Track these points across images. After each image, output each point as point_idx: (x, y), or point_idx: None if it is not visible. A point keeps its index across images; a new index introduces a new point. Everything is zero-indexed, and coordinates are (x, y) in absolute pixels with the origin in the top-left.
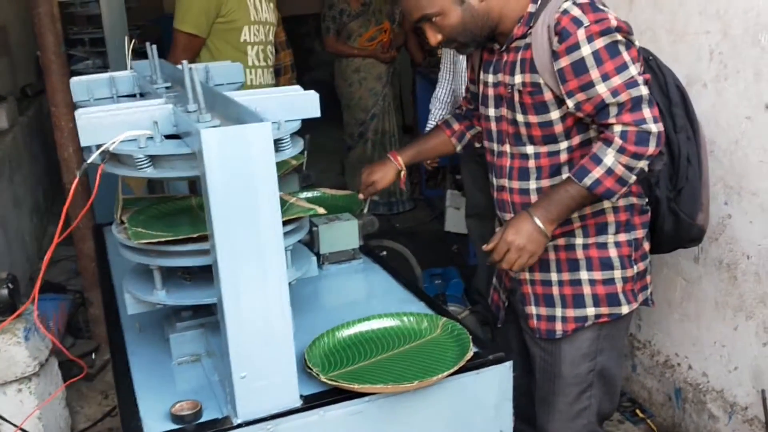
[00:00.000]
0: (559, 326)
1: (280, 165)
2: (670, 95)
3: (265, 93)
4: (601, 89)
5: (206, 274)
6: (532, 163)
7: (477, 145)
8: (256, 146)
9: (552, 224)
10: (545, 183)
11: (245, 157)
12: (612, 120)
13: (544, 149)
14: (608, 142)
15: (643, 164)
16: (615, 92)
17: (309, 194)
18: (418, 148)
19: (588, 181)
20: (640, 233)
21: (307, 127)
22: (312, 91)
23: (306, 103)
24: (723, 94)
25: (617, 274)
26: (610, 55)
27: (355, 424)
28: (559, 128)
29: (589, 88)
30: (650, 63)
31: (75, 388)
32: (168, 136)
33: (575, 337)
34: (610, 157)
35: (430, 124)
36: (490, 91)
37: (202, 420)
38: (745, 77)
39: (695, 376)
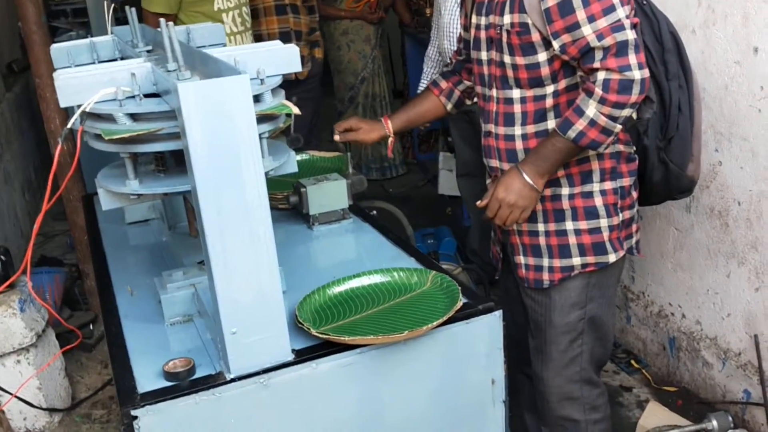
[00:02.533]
0: (546, 276)
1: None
2: (663, 41)
3: (244, 49)
4: (587, 31)
5: (178, 166)
6: (517, 108)
7: (468, 102)
8: (235, 99)
9: (542, 178)
10: (530, 129)
11: (225, 112)
12: (596, 65)
13: (530, 93)
14: (589, 93)
15: (626, 113)
16: (600, 36)
17: (297, 157)
18: (408, 114)
19: (572, 133)
20: (626, 181)
21: None
22: (292, 45)
23: (287, 57)
24: (711, 39)
25: (603, 222)
26: None
27: (348, 375)
28: (546, 71)
29: (575, 29)
30: (644, 8)
31: (75, 359)
32: (150, 97)
33: (564, 286)
34: (592, 109)
35: (422, 83)
36: (482, 34)
37: (195, 377)
38: (734, 21)
39: (689, 324)
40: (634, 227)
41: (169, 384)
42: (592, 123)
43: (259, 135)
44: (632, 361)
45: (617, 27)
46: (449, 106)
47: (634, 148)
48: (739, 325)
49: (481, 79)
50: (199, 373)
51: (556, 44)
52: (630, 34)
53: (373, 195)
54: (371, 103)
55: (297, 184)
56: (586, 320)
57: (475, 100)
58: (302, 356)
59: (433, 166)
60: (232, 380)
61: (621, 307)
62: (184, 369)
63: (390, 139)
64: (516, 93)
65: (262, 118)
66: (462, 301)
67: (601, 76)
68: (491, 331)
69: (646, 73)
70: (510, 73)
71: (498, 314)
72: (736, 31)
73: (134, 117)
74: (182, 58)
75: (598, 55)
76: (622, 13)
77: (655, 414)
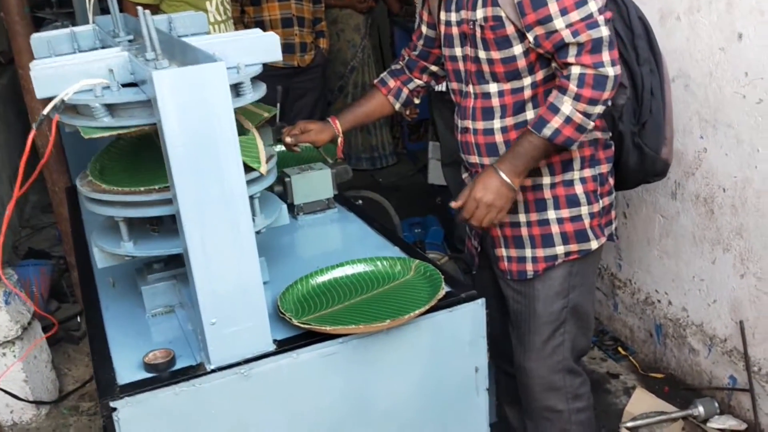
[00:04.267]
0: (529, 267)
1: (251, 117)
2: (633, 27)
3: (224, 37)
4: (559, 24)
5: (174, 225)
6: (495, 102)
7: (416, 101)
8: (211, 88)
9: (518, 177)
10: (509, 122)
11: (201, 100)
12: (571, 59)
13: (507, 86)
14: (563, 90)
15: (599, 109)
16: (576, 32)
17: (283, 147)
18: (355, 114)
19: (547, 131)
20: (604, 168)
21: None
22: (272, 33)
23: (266, 46)
24: (696, 26)
25: (584, 210)
26: None
27: (330, 365)
28: (522, 63)
29: (547, 21)
30: None
31: (62, 351)
32: (128, 86)
33: (547, 276)
34: (567, 106)
35: None
36: (454, 30)
37: (175, 368)
38: (718, 8)
39: (675, 311)
40: (612, 214)
41: (149, 375)
42: (568, 120)
43: (252, 196)
44: (619, 348)
45: (592, 24)
46: (397, 105)
47: (610, 134)
48: (724, 312)
49: (456, 75)
50: (180, 364)
51: (530, 36)
52: (604, 31)
53: (363, 185)
54: (361, 92)
55: (281, 174)
56: (569, 309)
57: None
58: (283, 346)
59: (423, 155)
60: (213, 371)
61: (608, 294)
62: (164, 360)
63: (339, 140)
64: (493, 87)
65: (249, 181)
66: (445, 289)
67: (575, 71)
68: (474, 319)
69: (619, 69)
70: (486, 67)
71: (481, 302)
72: (721, 17)
73: (112, 109)
74: (160, 47)
75: (573, 50)
76: (594, 6)
77: (642, 400)
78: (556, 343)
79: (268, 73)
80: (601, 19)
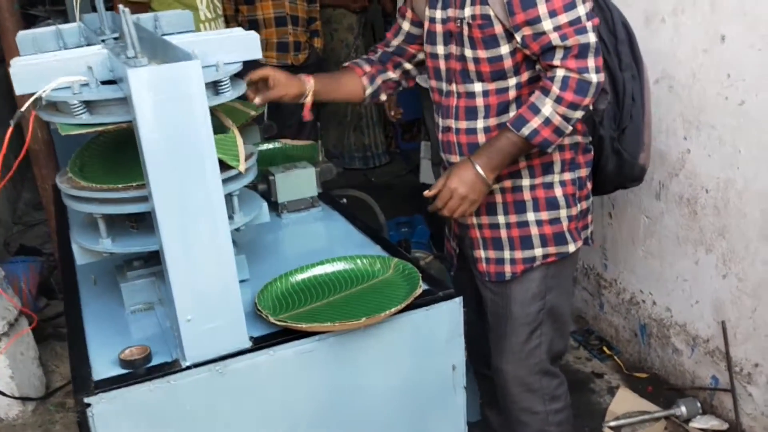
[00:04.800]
0: (508, 268)
1: (238, 115)
2: (616, 33)
3: (204, 35)
4: (548, 26)
5: (152, 222)
6: (480, 102)
7: (383, 98)
8: (186, 86)
9: (493, 172)
10: (493, 122)
11: (177, 97)
12: (557, 62)
13: (492, 86)
14: (546, 91)
15: (578, 115)
16: (564, 36)
17: (270, 145)
18: (329, 81)
19: (526, 131)
20: (583, 172)
21: None
22: (252, 32)
23: (247, 44)
24: (680, 27)
25: (563, 213)
26: None
27: (306, 363)
28: (508, 63)
29: (536, 23)
30: (599, 1)
31: (50, 348)
32: (108, 84)
33: (524, 278)
34: (548, 107)
35: None
36: (438, 28)
37: (151, 364)
38: (702, 9)
39: (659, 311)
40: (589, 218)
41: (124, 372)
42: (547, 122)
43: (230, 193)
44: (604, 348)
45: (580, 29)
46: (368, 91)
47: (590, 139)
48: (707, 312)
49: (437, 73)
50: (156, 361)
51: (517, 36)
52: (592, 37)
53: (355, 184)
54: None
55: (266, 172)
56: (546, 311)
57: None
58: (260, 343)
59: (416, 155)
60: (188, 368)
61: (594, 294)
62: (140, 356)
63: (308, 98)
64: (478, 86)
65: (228, 179)
66: (422, 287)
67: (560, 73)
68: (451, 317)
69: (602, 77)
70: (471, 66)
71: (458, 300)
72: (705, 18)
73: (90, 106)
74: (139, 45)
75: (559, 54)
76: (582, 10)
77: (625, 400)
78: (533, 345)
79: None
80: (589, 24)
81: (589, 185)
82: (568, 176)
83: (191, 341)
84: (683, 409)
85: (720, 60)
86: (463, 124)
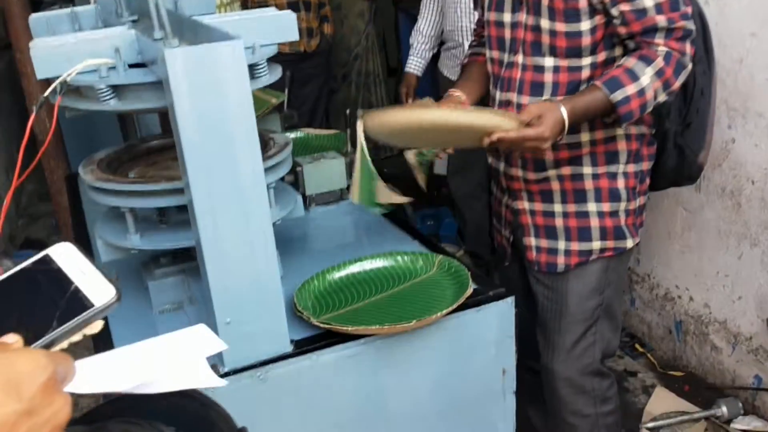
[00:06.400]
0: (561, 260)
1: (260, 103)
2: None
3: (237, 15)
4: (649, 2)
5: (183, 216)
6: (548, 77)
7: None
8: (227, 68)
9: (571, 124)
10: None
11: (216, 81)
12: (659, 40)
13: (564, 63)
14: (649, 60)
15: (663, 98)
16: (671, 20)
17: (292, 135)
18: (470, 84)
19: (619, 95)
20: (646, 165)
21: None
22: (289, 11)
23: (283, 25)
24: (725, 10)
25: (623, 206)
26: None
27: (351, 367)
28: (587, 41)
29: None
30: None
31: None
32: (134, 67)
33: (582, 271)
34: (647, 77)
35: (412, 59)
36: None
37: None
38: None
39: (696, 307)
40: (644, 215)
41: None
42: (641, 93)
43: (267, 185)
44: (637, 345)
45: (685, 15)
46: None
47: (654, 131)
48: (750, 309)
49: (500, 43)
50: None
51: (613, 11)
52: (692, 25)
53: None
54: (365, 80)
55: (293, 163)
56: (603, 307)
57: None
58: (302, 347)
59: None
60: (227, 374)
61: (625, 289)
62: None
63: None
64: (549, 61)
65: (265, 170)
66: (472, 287)
67: (663, 49)
68: (502, 318)
69: (691, 67)
70: (546, 39)
71: (510, 301)
72: (752, 0)
73: (118, 90)
74: (169, 25)
75: (662, 33)
76: None
77: (662, 400)
78: (587, 343)
79: (275, 58)
80: (688, 11)
81: (648, 180)
82: (632, 168)
83: (230, 345)
84: (724, 409)
85: None
86: (526, 99)
